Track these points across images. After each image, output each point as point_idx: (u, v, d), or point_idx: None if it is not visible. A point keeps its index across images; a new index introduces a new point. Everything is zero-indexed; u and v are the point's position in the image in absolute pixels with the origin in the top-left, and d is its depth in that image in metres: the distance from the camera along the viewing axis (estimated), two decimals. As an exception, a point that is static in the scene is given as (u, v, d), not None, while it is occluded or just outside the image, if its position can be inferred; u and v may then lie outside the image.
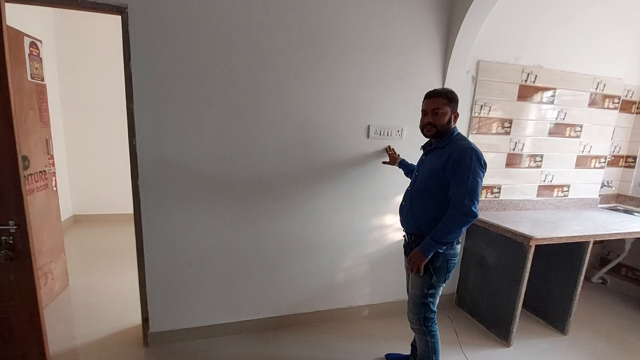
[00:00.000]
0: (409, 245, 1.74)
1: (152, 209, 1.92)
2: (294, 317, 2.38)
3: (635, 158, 3.19)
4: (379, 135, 2.23)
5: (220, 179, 2.00)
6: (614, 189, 3.26)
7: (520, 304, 2.22)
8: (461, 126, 2.46)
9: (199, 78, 1.85)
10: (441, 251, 1.60)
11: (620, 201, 3.27)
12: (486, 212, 2.66)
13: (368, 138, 2.22)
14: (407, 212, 1.73)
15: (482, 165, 1.53)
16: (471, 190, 1.49)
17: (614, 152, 3.15)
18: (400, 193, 2.35)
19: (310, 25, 1.97)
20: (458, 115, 1.65)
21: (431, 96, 1.63)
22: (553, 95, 2.67)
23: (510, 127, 2.59)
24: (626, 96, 3.02)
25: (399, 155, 2.22)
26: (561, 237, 2.16)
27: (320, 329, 2.38)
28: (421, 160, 1.77)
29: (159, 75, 1.78)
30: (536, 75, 2.56)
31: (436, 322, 1.75)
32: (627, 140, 3.18)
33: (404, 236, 1.82)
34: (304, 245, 2.28)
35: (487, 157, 2.52)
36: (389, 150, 2.25)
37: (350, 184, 2.27)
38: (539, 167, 2.77)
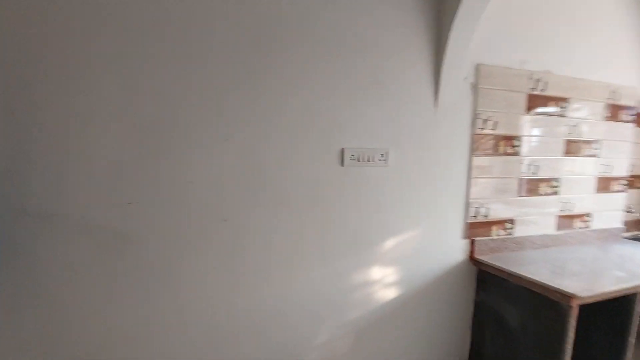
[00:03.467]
0: None
1: (8, 290, 1.24)
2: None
3: (655, 178, 2.74)
4: (357, 162, 1.66)
5: (124, 233, 1.36)
6: (638, 214, 2.77)
7: (563, 386, 1.60)
8: (462, 146, 1.93)
9: (86, 83, 1.25)
10: None
11: (644, 229, 2.78)
12: (499, 253, 2.07)
13: (342, 166, 1.64)
14: None
15: None
16: None
17: (631, 172, 2.69)
18: (394, 235, 1.76)
19: (258, 14, 1.43)
20: None
21: None
22: (565, 107, 2.20)
23: (519, 146, 2.09)
24: (640, 107, 2.61)
25: None
26: (610, 292, 1.60)
27: None
28: None
29: (15, 82, 1.18)
30: (546, 82, 2.09)
31: None
32: (642, 158, 2.74)
33: None
34: (256, 319, 1.61)
35: (494, 183, 2.03)
36: None
37: (320, 229, 1.65)
38: (556, 193, 2.26)
